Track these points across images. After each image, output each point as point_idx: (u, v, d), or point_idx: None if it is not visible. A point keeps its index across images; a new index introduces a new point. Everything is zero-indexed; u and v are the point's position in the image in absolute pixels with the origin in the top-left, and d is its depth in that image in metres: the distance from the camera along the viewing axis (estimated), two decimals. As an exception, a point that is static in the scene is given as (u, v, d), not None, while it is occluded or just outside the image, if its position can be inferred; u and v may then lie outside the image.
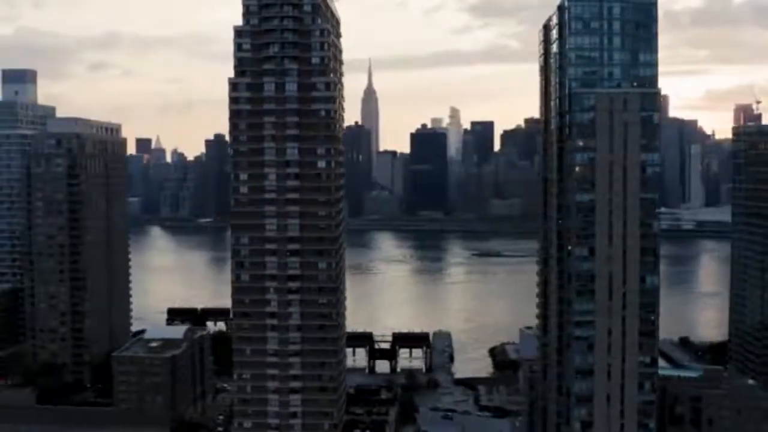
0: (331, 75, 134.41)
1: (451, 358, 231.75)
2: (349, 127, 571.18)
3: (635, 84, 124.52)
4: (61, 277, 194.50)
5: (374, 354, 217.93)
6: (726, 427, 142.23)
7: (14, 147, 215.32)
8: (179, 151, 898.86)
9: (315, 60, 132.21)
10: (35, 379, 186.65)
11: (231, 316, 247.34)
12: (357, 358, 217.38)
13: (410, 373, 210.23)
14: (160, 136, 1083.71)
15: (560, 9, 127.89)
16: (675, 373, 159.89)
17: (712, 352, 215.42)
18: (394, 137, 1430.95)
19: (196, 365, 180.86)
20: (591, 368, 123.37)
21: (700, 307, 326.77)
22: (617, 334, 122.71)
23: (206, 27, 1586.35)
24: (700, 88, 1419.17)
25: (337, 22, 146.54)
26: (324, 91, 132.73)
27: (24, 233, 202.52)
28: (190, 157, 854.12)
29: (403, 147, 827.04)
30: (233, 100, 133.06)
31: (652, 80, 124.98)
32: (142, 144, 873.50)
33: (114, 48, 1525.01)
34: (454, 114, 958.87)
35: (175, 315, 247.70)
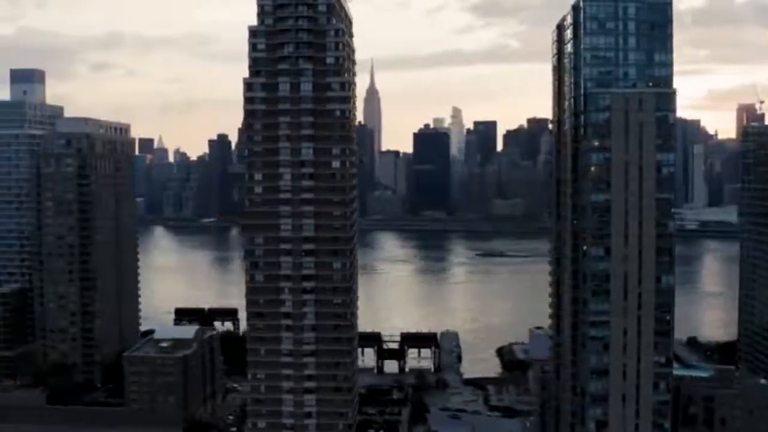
0: (346, 75, 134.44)
1: (459, 358, 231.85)
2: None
3: (650, 84, 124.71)
4: (71, 277, 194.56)
5: (383, 354, 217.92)
6: (738, 427, 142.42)
7: (23, 147, 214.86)
8: (182, 150, 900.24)
9: (330, 60, 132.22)
10: (45, 379, 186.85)
11: (239, 316, 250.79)
12: (365, 358, 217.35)
13: (419, 373, 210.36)
14: (162, 136, 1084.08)
15: (575, 9, 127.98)
16: (687, 373, 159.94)
17: (720, 352, 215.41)
18: (395, 137, 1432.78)
19: (207, 365, 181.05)
20: (606, 368, 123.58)
21: (704, 307, 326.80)
22: (632, 334, 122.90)
23: (206, 27, 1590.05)
24: (702, 88, 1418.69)
25: (350, 22, 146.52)
26: (339, 91, 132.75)
27: (33, 233, 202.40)
28: (193, 157, 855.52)
29: (405, 147, 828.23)
30: (248, 100, 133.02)
31: (667, 80, 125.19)
32: (145, 144, 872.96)
33: (116, 48, 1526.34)
34: (456, 114, 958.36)
35: (182, 315, 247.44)
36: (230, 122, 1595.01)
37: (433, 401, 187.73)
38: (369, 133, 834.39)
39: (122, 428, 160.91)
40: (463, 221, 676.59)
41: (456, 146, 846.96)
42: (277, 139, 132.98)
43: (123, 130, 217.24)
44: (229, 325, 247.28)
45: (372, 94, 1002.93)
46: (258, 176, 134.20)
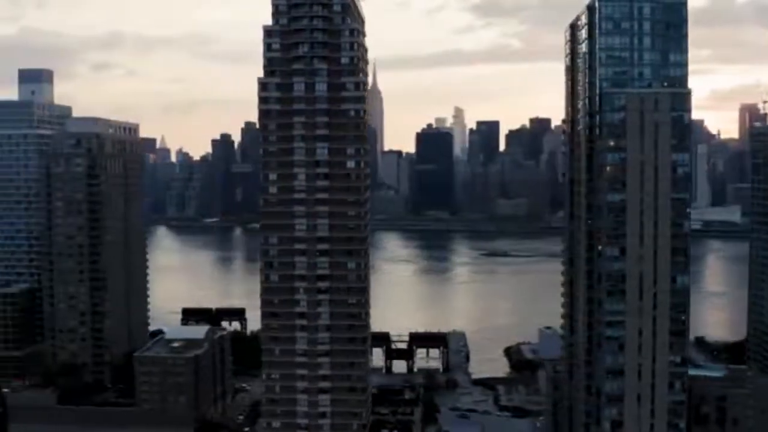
0: (360, 75, 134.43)
1: (467, 358, 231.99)
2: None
3: (665, 84, 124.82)
4: (81, 277, 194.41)
5: (391, 354, 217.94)
6: (751, 427, 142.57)
7: (31, 147, 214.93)
8: (184, 150, 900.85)
9: (344, 60, 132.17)
10: (55, 379, 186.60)
11: (246, 316, 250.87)
12: (373, 358, 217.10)
13: (428, 373, 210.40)
14: (165, 136, 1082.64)
15: (590, 9, 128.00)
16: (700, 372, 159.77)
17: (728, 352, 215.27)
18: (396, 137, 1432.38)
19: (217, 365, 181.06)
20: (622, 368, 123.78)
21: (708, 307, 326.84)
22: (648, 334, 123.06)
23: (206, 27, 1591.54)
24: (704, 88, 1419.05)
25: (362, 22, 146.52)
26: (354, 91, 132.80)
27: (43, 233, 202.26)
28: (195, 156, 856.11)
29: (406, 147, 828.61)
30: (262, 100, 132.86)
31: (682, 80, 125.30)
32: (147, 144, 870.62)
33: (117, 48, 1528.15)
34: (458, 114, 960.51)
35: (189, 315, 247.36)
36: (231, 122, 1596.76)
37: (443, 401, 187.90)
38: (372, 133, 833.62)
39: (134, 428, 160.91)
40: (466, 221, 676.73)
41: (458, 146, 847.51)
42: (292, 139, 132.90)
43: (132, 129, 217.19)
44: (236, 325, 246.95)
45: (374, 93, 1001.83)
46: (273, 176, 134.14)
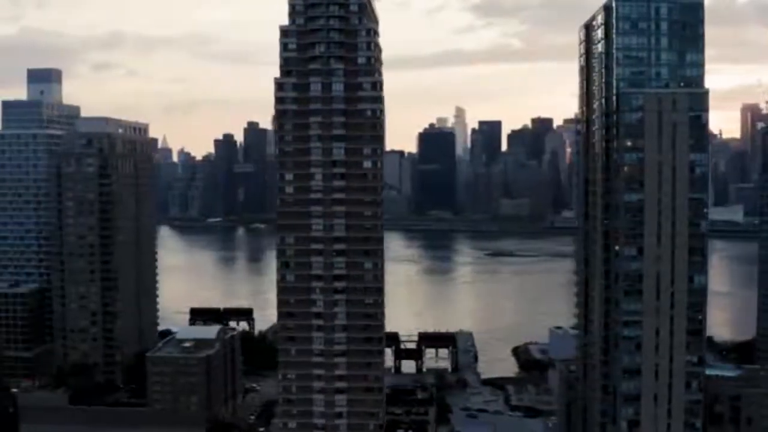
0: (376, 75, 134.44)
1: (476, 358, 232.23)
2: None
3: (682, 84, 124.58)
4: (92, 277, 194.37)
5: (400, 354, 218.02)
6: (765, 426, 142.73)
7: (41, 147, 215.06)
8: (186, 150, 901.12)
9: (361, 60, 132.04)
10: (66, 379, 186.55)
11: (254, 316, 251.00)
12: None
13: (438, 373, 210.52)
14: (166, 136, 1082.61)
15: (606, 9, 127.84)
16: (714, 372, 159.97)
17: (737, 352, 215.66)
18: (397, 137, 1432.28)
19: (228, 365, 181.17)
20: (638, 368, 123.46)
21: (713, 307, 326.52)
22: (665, 334, 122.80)
23: (206, 27, 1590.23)
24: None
25: (377, 21, 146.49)
26: (370, 91, 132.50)
27: (53, 233, 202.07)
28: (197, 156, 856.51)
29: (407, 146, 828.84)
30: (279, 100, 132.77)
31: (699, 80, 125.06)
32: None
33: (117, 48, 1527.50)
34: (460, 114, 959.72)
35: (197, 315, 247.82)
36: (232, 122, 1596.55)
37: (454, 401, 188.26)
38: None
39: (146, 428, 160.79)
40: (468, 221, 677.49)
41: (460, 146, 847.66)
42: (309, 139, 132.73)
43: (142, 129, 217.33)
44: (243, 325, 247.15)
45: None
46: (289, 176, 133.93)
